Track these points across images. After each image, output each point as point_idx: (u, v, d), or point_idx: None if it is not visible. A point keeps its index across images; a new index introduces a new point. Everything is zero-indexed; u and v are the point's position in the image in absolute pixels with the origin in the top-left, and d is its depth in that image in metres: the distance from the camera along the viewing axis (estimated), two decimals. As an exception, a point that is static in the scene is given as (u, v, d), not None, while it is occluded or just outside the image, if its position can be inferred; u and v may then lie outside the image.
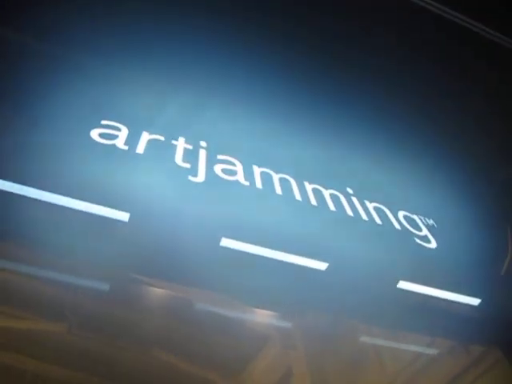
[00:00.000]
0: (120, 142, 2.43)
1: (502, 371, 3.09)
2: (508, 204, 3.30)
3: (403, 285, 2.49)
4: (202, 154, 2.60)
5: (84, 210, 2.07)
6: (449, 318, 2.60)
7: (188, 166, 2.47)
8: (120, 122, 2.57)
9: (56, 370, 4.73)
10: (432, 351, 3.29)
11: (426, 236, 2.83)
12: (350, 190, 2.92)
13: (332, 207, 2.69)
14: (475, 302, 2.60)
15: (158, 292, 2.81)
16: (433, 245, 2.79)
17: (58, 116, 2.41)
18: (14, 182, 2.01)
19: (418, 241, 2.76)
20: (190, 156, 2.54)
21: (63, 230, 2.12)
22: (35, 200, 2.01)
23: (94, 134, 2.42)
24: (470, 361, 3.23)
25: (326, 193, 2.80)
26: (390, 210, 2.89)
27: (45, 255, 2.61)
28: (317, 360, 4.37)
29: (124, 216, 2.11)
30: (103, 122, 2.53)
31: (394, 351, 3.46)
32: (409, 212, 2.97)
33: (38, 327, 4.36)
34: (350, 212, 2.72)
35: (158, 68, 2.91)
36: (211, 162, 2.57)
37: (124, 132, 2.51)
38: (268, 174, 2.72)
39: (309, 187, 2.77)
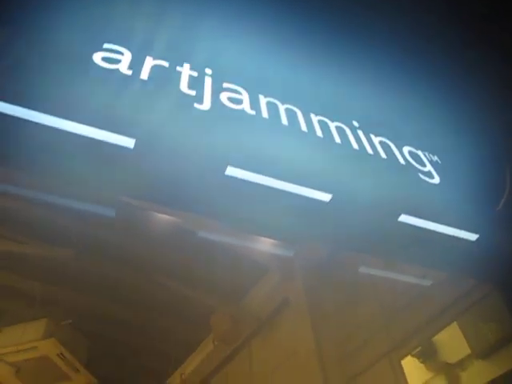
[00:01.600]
0: (123, 67, 2.36)
1: (490, 304, 3.22)
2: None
3: (404, 218, 2.52)
4: (208, 81, 2.54)
5: (88, 135, 2.04)
6: (446, 251, 2.66)
7: (193, 93, 2.42)
8: (123, 46, 2.49)
9: (63, 293, 4.92)
10: (426, 282, 3.43)
11: (429, 172, 2.84)
12: (356, 124, 2.89)
13: (337, 140, 2.67)
14: (473, 237, 2.65)
15: (162, 220, 2.86)
16: (436, 180, 2.81)
17: (60, 37, 2.33)
18: (16, 104, 1.96)
19: (421, 176, 2.77)
20: (196, 83, 2.48)
21: (69, 156, 2.11)
22: (38, 124, 1.97)
23: (97, 57, 2.34)
24: (461, 293, 3.36)
25: (332, 125, 2.77)
26: (395, 144, 2.88)
27: (50, 182, 2.63)
28: (314, 290, 4.56)
29: (129, 142, 2.08)
30: (106, 46, 2.45)
31: (389, 282, 3.59)
32: (414, 147, 2.96)
33: (45, 253, 4.50)
34: (355, 145, 2.71)
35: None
36: (217, 90, 2.51)
37: (127, 56, 2.43)
38: (274, 104, 2.67)
39: (315, 119, 2.74)
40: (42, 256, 4.41)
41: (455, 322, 3.47)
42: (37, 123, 1.97)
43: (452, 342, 3.54)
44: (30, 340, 4.98)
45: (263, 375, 4.95)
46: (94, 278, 4.64)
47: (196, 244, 3.74)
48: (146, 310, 5.19)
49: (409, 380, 3.67)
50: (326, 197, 2.33)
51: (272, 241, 3.07)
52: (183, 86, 2.44)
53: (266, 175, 2.22)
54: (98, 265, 4.42)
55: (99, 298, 4.94)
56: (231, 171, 2.18)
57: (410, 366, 3.72)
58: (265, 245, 3.12)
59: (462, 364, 3.45)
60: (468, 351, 3.39)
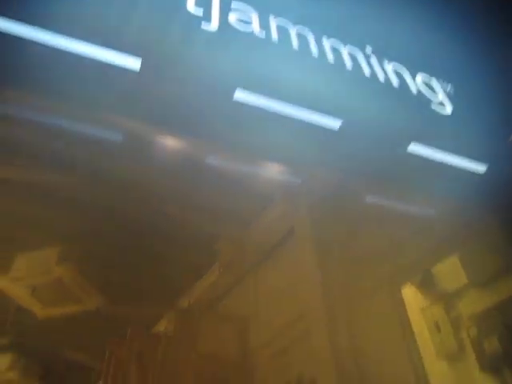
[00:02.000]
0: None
1: (493, 235, 3.25)
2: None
3: (413, 148, 2.50)
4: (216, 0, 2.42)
5: (93, 56, 1.98)
6: (454, 181, 2.66)
7: (200, 13, 2.31)
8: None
9: (71, 220, 5.00)
10: (432, 213, 3.44)
11: (442, 101, 2.77)
12: (369, 48, 2.78)
13: (349, 66, 2.59)
14: (482, 167, 2.64)
15: (167, 145, 2.83)
16: (448, 110, 2.74)
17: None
18: (15, 23, 1.88)
19: (433, 105, 2.70)
20: (203, 2, 2.36)
21: (74, 77, 2.05)
22: (38, 43, 1.90)
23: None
24: (466, 223, 3.38)
25: (345, 51, 2.67)
26: (409, 71, 2.78)
27: (52, 105, 2.57)
28: (320, 220, 4.60)
29: (135, 64, 2.02)
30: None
31: (395, 212, 3.62)
32: (428, 74, 2.86)
33: (48, 178, 4.51)
34: (366, 72, 2.62)
35: None
36: (225, 9, 2.39)
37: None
38: (285, 26, 2.56)
39: (326, 44, 2.63)
40: (45, 182, 4.43)
41: (457, 252, 3.53)
42: (37, 42, 1.90)
43: (452, 271, 3.62)
44: (43, 265, 5.19)
45: (268, 303, 5.12)
46: (99, 206, 4.70)
47: (202, 171, 3.74)
48: (153, 238, 5.29)
49: (407, 307, 3.80)
50: (335, 123, 2.30)
51: (278, 168, 3.06)
52: (190, 5, 2.32)
53: (274, 100, 2.18)
54: (102, 191, 4.45)
55: (106, 225, 5.03)
56: (239, 95, 2.13)
57: (409, 294, 3.84)
58: (271, 172, 3.11)
59: (459, 293, 3.55)
60: (466, 281, 3.48)
